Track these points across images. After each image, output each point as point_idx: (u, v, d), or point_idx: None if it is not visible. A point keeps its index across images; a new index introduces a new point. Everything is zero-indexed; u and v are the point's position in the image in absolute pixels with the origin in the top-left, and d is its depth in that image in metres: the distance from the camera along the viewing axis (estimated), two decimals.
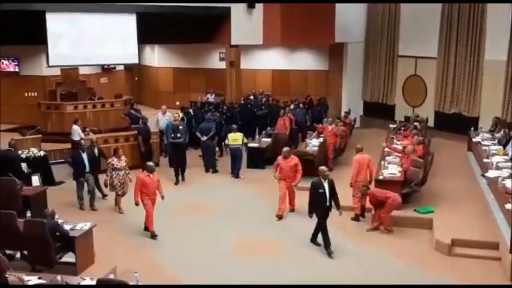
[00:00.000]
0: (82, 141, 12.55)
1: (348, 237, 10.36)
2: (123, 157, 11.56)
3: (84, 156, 11.78)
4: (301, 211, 10.96)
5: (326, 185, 9.59)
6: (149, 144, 14.59)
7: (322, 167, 9.91)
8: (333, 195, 9.71)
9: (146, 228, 10.43)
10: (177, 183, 13.52)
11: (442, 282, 8.56)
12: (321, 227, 9.68)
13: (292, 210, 11.56)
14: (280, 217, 11.24)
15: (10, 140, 12.71)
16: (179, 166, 13.80)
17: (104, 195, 12.34)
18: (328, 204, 9.64)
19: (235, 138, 14.16)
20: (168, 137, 14.22)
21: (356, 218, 11.16)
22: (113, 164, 11.35)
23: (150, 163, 10.49)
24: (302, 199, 10.69)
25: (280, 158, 11.39)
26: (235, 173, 14.19)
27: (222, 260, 9.45)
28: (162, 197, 10.42)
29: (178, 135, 13.70)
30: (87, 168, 11.77)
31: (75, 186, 11.90)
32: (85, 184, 11.84)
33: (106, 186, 11.59)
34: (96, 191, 12.18)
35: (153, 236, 10.27)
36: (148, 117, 15.70)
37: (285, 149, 11.54)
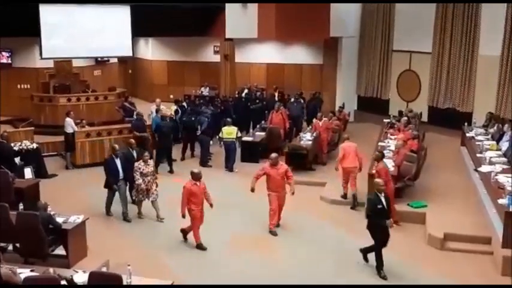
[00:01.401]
0: (116, 145, 11.33)
1: (340, 230, 10.40)
2: (150, 161, 10.92)
3: (118, 162, 10.89)
4: (294, 206, 10.95)
5: (384, 199, 8.58)
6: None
7: (378, 180, 8.88)
8: (388, 208, 8.75)
9: (185, 237, 9.82)
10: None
11: (434, 277, 8.59)
12: (377, 249, 8.68)
13: (278, 225, 10.48)
14: (275, 233, 10.24)
15: (2, 132, 12.64)
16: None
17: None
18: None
19: (229, 131, 14.13)
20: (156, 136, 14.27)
21: (344, 196, 11.74)
22: (140, 168, 10.60)
23: (196, 170, 9.69)
24: (297, 194, 10.70)
25: (267, 166, 10.18)
26: (229, 166, 14.17)
27: (217, 253, 9.45)
28: (211, 205, 9.69)
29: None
30: (121, 175, 10.90)
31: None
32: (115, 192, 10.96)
33: (137, 191, 10.72)
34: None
35: (202, 248, 9.56)
36: (143, 111, 15.53)
37: (273, 155, 10.32)
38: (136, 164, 10.75)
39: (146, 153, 10.86)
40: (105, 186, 11.01)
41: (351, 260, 9.19)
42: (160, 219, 10.77)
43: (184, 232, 9.82)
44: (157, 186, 10.82)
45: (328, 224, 10.68)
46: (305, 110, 18.01)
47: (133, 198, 11.09)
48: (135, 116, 15.14)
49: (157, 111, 14.99)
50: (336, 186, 12.40)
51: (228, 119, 14.60)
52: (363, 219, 10.77)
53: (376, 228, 8.59)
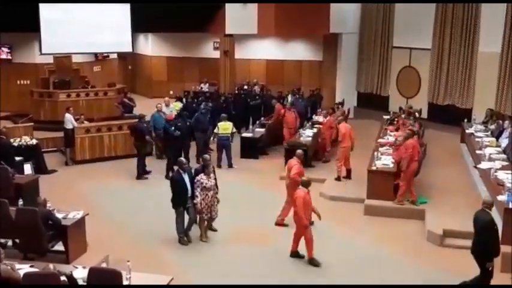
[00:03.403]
0: (183, 159, 10.07)
1: (340, 226, 10.41)
2: (212, 175, 9.65)
3: (186, 177, 9.49)
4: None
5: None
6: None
7: (488, 198, 7.59)
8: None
9: (296, 254, 9.11)
10: (167, 176, 12.40)
11: (434, 273, 8.60)
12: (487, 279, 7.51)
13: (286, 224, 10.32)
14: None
15: (2, 128, 12.67)
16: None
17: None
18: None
19: (225, 127, 13.91)
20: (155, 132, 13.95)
21: (338, 179, 12.49)
22: (202, 183, 9.38)
23: (305, 178, 9.08)
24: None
25: (297, 162, 10.13)
26: (228, 163, 14.10)
27: (218, 250, 9.45)
28: (319, 216, 9.13)
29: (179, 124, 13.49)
30: (189, 193, 9.51)
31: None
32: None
33: (200, 211, 9.50)
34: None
35: (316, 264, 8.88)
36: (143, 109, 15.41)
37: (300, 151, 10.38)
38: (197, 177, 9.48)
39: (211, 165, 9.86)
40: (174, 206, 9.56)
41: (350, 258, 9.19)
42: (204, 240, 9.75)
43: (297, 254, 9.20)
44: (218, 202, 9.75)
45: (327, 221, 10.64)
46: (309, 108, 17.89)
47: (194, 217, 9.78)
48: (135, 113, 15.02)
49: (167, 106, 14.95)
50: (335, 182, 12.42)
51: (223, 114, 14.28)
52: (362, 215, 10.88)
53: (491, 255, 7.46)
